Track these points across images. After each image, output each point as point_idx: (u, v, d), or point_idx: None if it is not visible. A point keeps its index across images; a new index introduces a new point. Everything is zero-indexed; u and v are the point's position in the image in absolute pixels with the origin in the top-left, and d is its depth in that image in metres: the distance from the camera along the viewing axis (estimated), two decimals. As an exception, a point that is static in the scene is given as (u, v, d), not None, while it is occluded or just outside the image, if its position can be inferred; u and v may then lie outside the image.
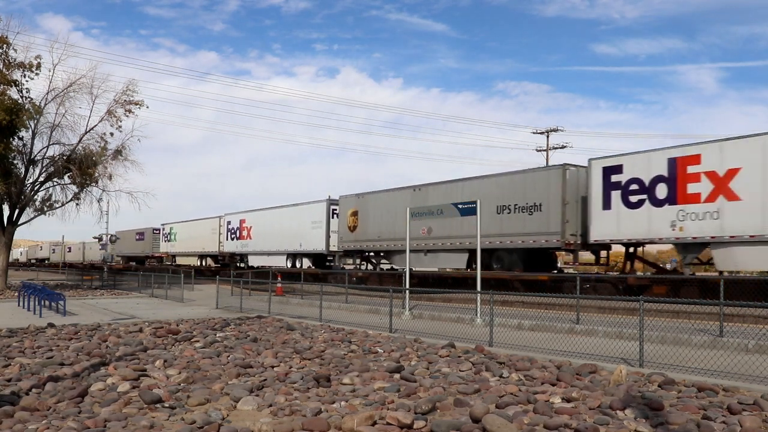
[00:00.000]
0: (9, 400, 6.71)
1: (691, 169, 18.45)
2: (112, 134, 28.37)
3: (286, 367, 9.07)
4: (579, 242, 21.71)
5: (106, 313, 18.27)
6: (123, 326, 14.01)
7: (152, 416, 6.28)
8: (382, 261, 31.33)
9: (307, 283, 28.37)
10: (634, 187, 19.90)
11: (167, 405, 6.72)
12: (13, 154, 26.45)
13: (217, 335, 12.42)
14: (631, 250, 21.63)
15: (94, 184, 28.92)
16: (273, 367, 9.05)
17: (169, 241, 52.91)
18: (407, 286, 18.74)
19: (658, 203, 19.20)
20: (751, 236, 16.89)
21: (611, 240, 20.99)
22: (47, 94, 26.89)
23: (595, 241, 21.08)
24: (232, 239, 42.60)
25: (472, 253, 23.79)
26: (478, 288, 16.43)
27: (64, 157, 27.80)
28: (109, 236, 59.50)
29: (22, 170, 27.60)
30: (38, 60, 26.13)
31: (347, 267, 32.79)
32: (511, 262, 23.64)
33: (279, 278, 29.59)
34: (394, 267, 30.22)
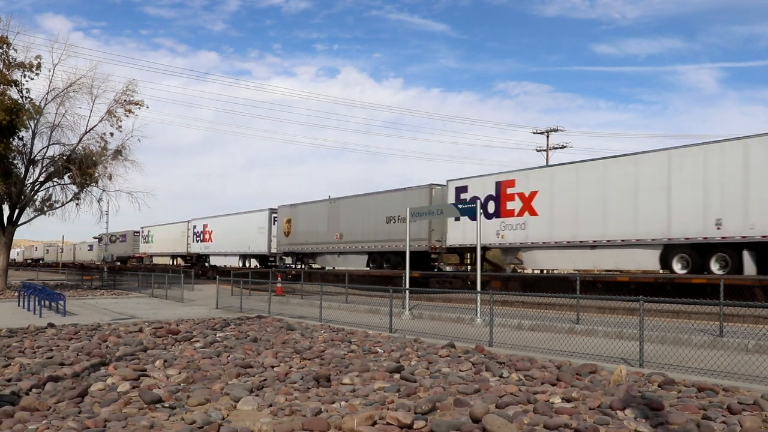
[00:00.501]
0: (9, 400, 6.71)
1: (509, 191, 23.74)
2: (112, 134, 28.40)
3: (286, 367, 9.07)
4: (442, 246, 26.50)
5: (106, 313, 18.27)
6: (123, 326, 14.01)
7: (152, 416, 6.28)
8: (310, 261, 35.93)
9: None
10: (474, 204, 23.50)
11: (167, 405, 6.71)
12: (13, 154, 26.45)
13: (217, 335, 12.42)
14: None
15: (94, 184, 28.93)
16: (273, 367, 9.05)
17: (147, 242, 58.55)
18: (407, 286, 18.75)
19: (488, 216, 24.05)
20: (543, 242, 22.20)
21: (460, 245, 25.76)
22: (47, 94, 26.91)
23: (450, 245, 26.03)
24: (197, 242, 48.30)
25: (369, 254, 30.43)
26: (478, 288, 16.44)
27: (64, 157, 27.80)
28: (98, 237, 61.67)
29: (22, 170, 27.60)
30: (38, 60, 26.15)
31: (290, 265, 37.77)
32: (397, 262, 28.03)
33: (279, 278, 29.67)
34: (315, 266, 35.06)
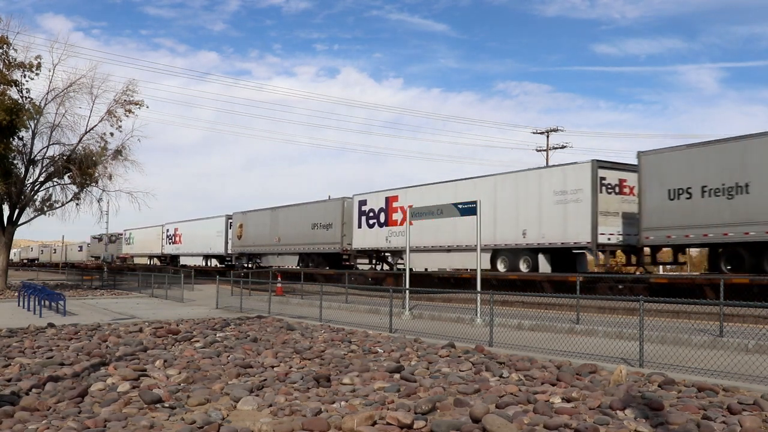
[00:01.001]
0: (9, 400, 6.71)
1: (394, 204, 29.50)
2: (112, 134, 28.41)
3: (286, 367, 9.07)
4: (352, 249, 32.12)
5: (106, 313, 18.27)
6: (123, 326, 14.01)
7: (152, 416, 6.28)
8: (258, 261, 42.06)
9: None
10: (371, 214, 30.95)
11: (167, 405, 6.71)
12: (13, 154, 26.44)
13: (217, 335, 12.42)
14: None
15: (94, 184, 28.94)
16: (273, 367, 9.05)
17: (129, 244, 64.80)
18: (407, 286, 18.75)
19: (381, 225, 30.24)
20: (416, 247, 26.05)
21: (362, 248, 31.53)
22: (47, 94, 26.92)
23: (355, 248, 31.85)
24: (170, 243, 54.31)
25: (299, 255, 36.90)
26: (478, 288, 16.43)
27: (64, 157, 27.80)
28: (98, 237, 65.23)
29: (22, 170, 27.60)
30: (38, 60, 26.15)
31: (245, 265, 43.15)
32: (320, 262, 35.26)
33: (279, 278, 29.70)
34: (262, 265, 41.02)
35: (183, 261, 51.28)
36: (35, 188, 28.47)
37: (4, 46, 25.06)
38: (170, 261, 54.06)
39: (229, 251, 44.40)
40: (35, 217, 29.87)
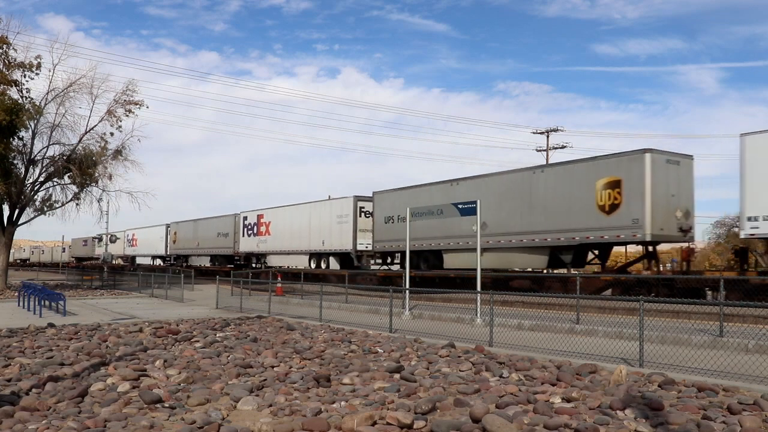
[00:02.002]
0: (9, 400, 6.71)
1: (262, 220, 41.04)
2: (112, 134, 28.40)
3: (286, 367, 9.07)
4: (240, 252, 43.85)
5: (106, 313, 18.27)
6: (123, 326, 14.01)
7: (152, 416, 6.28)
8: (185, 261, 53.76)
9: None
10: (249, 227, 42.53)
11: (167, 405, 6.71)
12: (13, 154, 26.45)
13: (217, 335, 12.41)
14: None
15: (94, 184, 28.94)
16: (273, 367, 9.05)
17: (100, 247, 75.44)
18: (407, 286, 18.75)
19: (255, 234, 41.76)
20: (272, 251, 39.70)
21: (247, 252, 43.02)
22: (47, 94, 26.90)
23: (241, 252, 43.67)
24: (129, 246, 67.37)
25: (211, 257, 49.92)
26: (478, 288, 16.43)
27: (64, 157, 27.79)
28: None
29: (22, 170, 27.59)
30: (38, 60, 26.14)
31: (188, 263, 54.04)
32: (222, 262, 47.91)
33: (279, 278, 29.71)
34: (190, 264, 50.85)
35: (138, 261, 65.45)
36: (35, 188, 28.47)
37: (4, 46, 25.05)
38: (132, 261, 67.57)
39: (168, 252, 56.66)
40: (35, 217, 29.88)
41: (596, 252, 23.12)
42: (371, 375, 8.32)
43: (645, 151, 19.56)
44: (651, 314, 14.47)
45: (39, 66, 26.10)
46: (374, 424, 5.90)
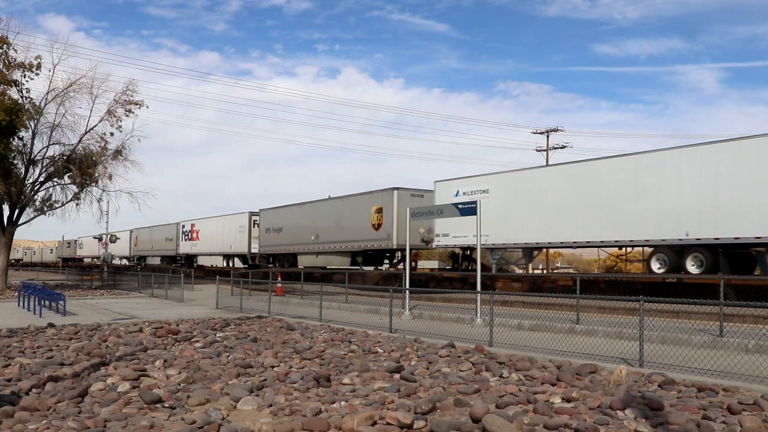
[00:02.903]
0: (9, 400, 6.71)
1: (194, 228, 50.25)
2: (112, 134, 28.43)
3: (286, 367, 9.07)
4: (181, 254, 53.61)
5: (106, 313, 18.27)
6: (123, 326, 14.01)
7: (152, 416, 6.28)
8: (144, 261, 65.11)
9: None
10: (186, 233, 51.80)
11: (167, 405, 6.71)
12: (13, 154, 26.45)
13: (217, 335, 12.42)
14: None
15: (94, 184, 28.96)
16: (273, 367, 9.05)
17: (80, 248, 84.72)
18: (407, 286, 18.75)
19: (189, 240, 51.47)
20: (201, 252, 49.92)
21: (185, 254, 52.89)
22: (47, 94, 26.92)
23: (180, 253, 53.52)
24: (103, 248, 73.13)
25: (161, 257, 59.84)
26: (478, 288, 16.44)
27: (64, 157, 27.80)
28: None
29: (22, 170, 27.60)
30: (38, 60, 26.15)
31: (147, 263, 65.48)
32: (168, 261, 56.02)
33: (279, 278, 29.72)
34: (146, 263, 62.76)
35: (115, 261, 73.08)
36: (35, 188, 28.47)
37: (4, 46, 25.06)
38: (103, 262, 75.84)
39: (132, 254, 67.82)
40: (35, 217, 29.91)
41: (388, 254, 31.84)
42: (371, 375, 8.32)
43: (394, 189, 28.68)
44: (651, 314, 14.46)
45: (39, 66, 26.12)
46: (374, 424, 5.90)
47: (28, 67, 25.78)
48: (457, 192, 25.86)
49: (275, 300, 21.41)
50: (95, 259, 77.86)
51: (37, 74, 26.25)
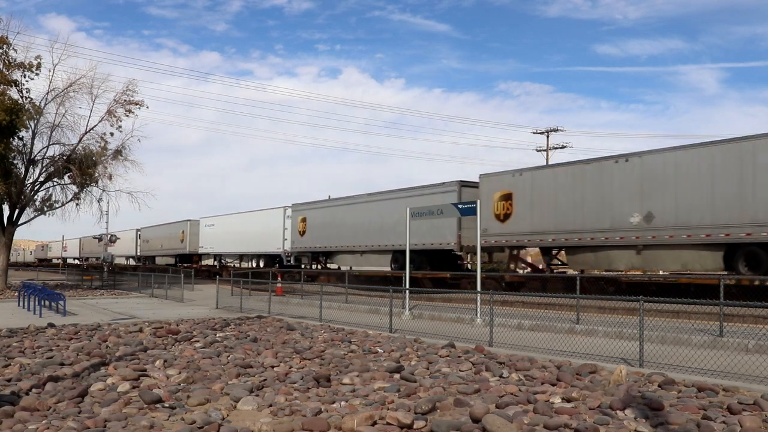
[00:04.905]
0: (9, 400, 6.71)
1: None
2: (112, 134, 28.42)
3: (286, 367, 9.07)
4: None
5: (106, 313, 18.27)
6: (123, 326, 14.01)
7: (152, 416, 6.28)
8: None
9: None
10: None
11: (167, 405, 6.71)
12: (13, 154, 26.45)
13: (217, 335, 12.42)
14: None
15: (94, 184, 28.96)
16: (273, 367, 9.05)
17: (66, 251, 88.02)
18: (407, 286, 18.75)
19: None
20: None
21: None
22: (47, 94, 26.92)
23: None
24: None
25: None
26: (478, 288, 16.43)
27: (64, 157, 27.80)
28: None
29: (22, 170, 27.59)
30: (38, 60, 26.14)
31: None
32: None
33: (279, 278, 29.71)
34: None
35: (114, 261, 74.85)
36: (35, 188, 28.47)
37: (4, 46, 25.05)
38: (84, 261, 78.23)
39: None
40: (35, 217, 29.91)
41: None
42: (371, 375, 8.32)
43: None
44: (651, 314, 14.46)
45: (39, 66, 26.11)
46: (374, 424, 5.90)
47: (28, 67, 25.78)
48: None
49: (275, 300, 21.41)
50: (81, 260, 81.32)
51: (37, 74, 26.26)
